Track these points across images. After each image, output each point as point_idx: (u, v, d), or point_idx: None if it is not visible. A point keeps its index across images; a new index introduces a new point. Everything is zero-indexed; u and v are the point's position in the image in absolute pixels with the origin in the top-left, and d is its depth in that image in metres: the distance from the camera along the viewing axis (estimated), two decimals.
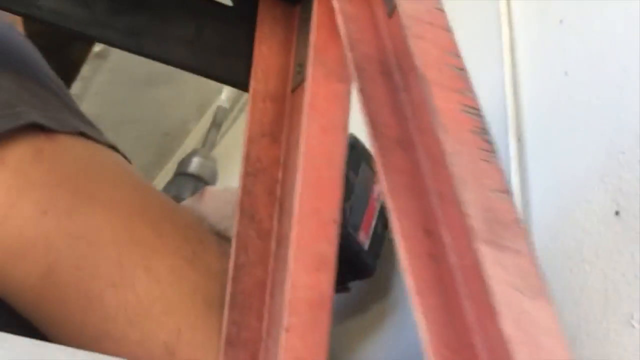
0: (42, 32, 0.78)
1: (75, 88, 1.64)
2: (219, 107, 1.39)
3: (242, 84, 0.67)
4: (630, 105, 0.74)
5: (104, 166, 0.71)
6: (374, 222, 0.91)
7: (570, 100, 0.83)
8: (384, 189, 0.48)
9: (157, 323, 0.65)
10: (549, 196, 0.82)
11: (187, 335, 0.65)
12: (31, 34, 0.86)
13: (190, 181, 1.16)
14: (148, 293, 0.65)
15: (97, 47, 1.65)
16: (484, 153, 0.46)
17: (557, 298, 0.75)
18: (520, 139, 0.87)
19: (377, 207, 0.92)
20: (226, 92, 1.41)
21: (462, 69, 0.50)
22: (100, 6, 0.64)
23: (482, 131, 0.47)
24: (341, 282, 0.92)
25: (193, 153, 1.19)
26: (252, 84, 0.67)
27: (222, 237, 0.78)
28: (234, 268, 0.63)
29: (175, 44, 0.67)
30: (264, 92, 0.68)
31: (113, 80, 1.76)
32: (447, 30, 0.52)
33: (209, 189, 0.92)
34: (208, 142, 1.32)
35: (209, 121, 1.41)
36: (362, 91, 0.53)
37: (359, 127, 0.53)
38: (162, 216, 0.70)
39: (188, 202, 0.91)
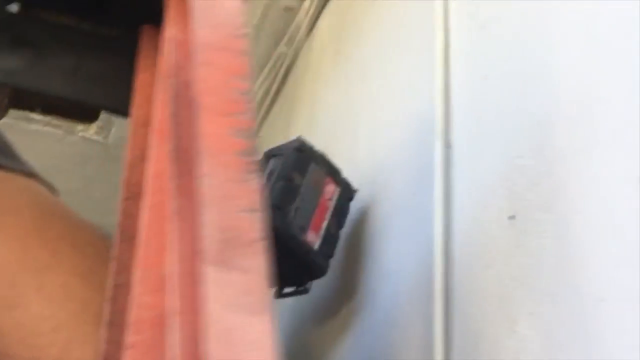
0: None
1: None
2: None
3: (123, 111, 0.70)
4: (532, 112, 0.74)
5: (4, 193, 0.75)
6: (325, 222, 0.93)
7: (487, 105, 0.84)
8: (172, 210, 0.50)
9: (49, 340, 0.68)
10: (467, 201, 0.82)
11: (77, 352, 0.68)
12: None
13: None
14: (40, 312, 0.69)
15: None
16: (241, 174, 0.47)
17: (464, 302, 0.76)
18: (449, 144, 0.88)
19: (330, 206, 0.94)
20: None
21: (245, 93, 0.52)
22: None
23: (247, 153, 0.48)
24: (297, 284, 0.94)
25: None
26: (133, 110, 0.70)
27: None
28: (113, 288, 0.65)
29: (54, 77, 0.70)
30: (144, 118, 0.70)
31: None
32: (242, 55, 0.53)
33: None
34: None
35: None
36: (173, 116, 0.55)
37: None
38: (60, 235, 0.73)
39: None
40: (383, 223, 0.98)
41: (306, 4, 1.48)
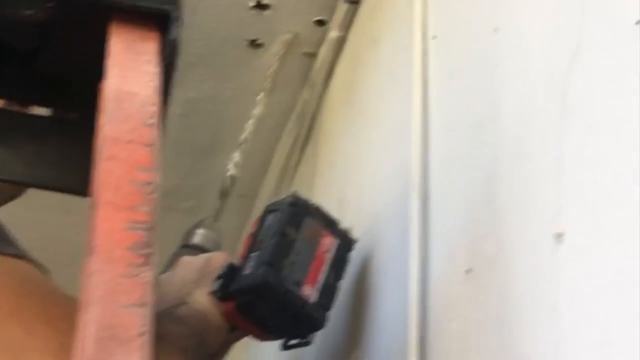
0: None
1: None
2: (227, 176, 1.44)
3: (85, 193, 0.72)
4: (485, 163, 0.75)
5: None
6: (322, 275, 0.94)
7: (454, 156, 0.84)
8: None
9: None
10: (440, 253, 0.83)
11: None
12: None
13: (193, 253, 1.21)
14: None
15: None
16: (131, 269, 0.49)
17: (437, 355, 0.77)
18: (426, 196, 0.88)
19: (327, 259, 0.95)
20: (237, 158, 1.45)
21: (147, 184, 0.54)
22: None
23: (141, 246, 0.50)
24: (300, 336, 0.96)
25: (198, 224, 1.23)
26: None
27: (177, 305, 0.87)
28: None
29: (16, 164, 0.73)
30: None
31: None
32: (147, 145, 0.56)
33: (182, 259, 0.99)
34: (215, 212, 1.37)
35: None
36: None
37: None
38: (36, 314, 0.76)
39: (166, 274, 0.97)
40: (371, 272, 0.99)
41: (323, 49, 1.50)
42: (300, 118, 1.62)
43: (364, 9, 1.35)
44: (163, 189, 1.52)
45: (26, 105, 0.75)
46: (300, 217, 0.95)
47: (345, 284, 0.99)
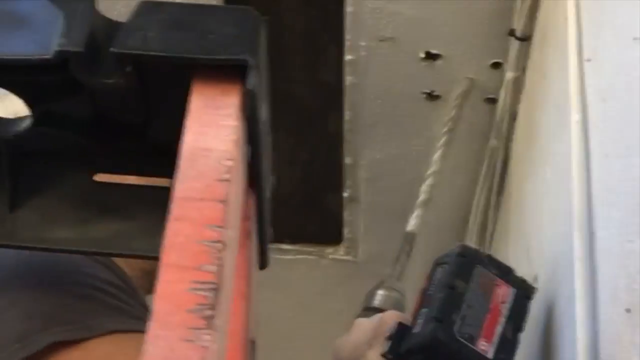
0: None
1: None
2: (407, 233, 1.39)
3: None
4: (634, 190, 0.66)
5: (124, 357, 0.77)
6: (499, 327, 0.87)
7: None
8: None
9: None
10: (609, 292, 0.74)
11: None
12: None
13: (372, 316, 1.17)
14: None
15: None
16: (190, 333, 0.46)
17: None
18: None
19: (503, 310, 0.88)
20: (417, 213, 1.40)
21: (217, 241, 0.50)
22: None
23: (204, 308, 0.47)
24: None
25: (379, 285, 1.19)
26: None
27: None
28: None
29: (141, 239, 0.73)
30: None
31: None
32: (222, 201, 0.52)
33: (356, 321, 0.97)
34: (396, 270, 1.31)
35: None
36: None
37: None
38: None
39: (342, 338, 0.95)
40: (550, 324, 0.90)
41: (503, 92, 1.43)
42: (491, 168, 1.55)
43: (534, 45, 1.28)
44: (366, 256, 1.49)
45: (144, 176, 0.74)
46: (469, 268, 0.89)
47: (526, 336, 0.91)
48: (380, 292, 1.16)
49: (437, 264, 0.92)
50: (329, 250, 1.98)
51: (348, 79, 1.47)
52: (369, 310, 1.14)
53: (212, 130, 0.57)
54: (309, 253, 2.00)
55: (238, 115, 0.58)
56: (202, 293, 0.48)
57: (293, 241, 1.96)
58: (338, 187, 1.74)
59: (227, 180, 0.54)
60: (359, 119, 1.55)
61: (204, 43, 0.59)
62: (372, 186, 1.70)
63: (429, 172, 1.47)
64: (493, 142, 1.52)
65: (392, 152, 1.61)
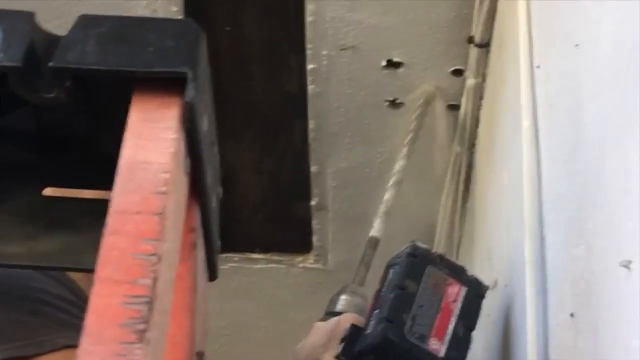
0: None
1: None
2: (370, 238, 1.38)
3: None
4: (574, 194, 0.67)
5: None
6: (451, 326, 0.87)
7: None
8: None
9: None
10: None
11: None
12: None
13: None
14: None
15: None
16: (121, 348, 0.46)
17: None
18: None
19: (455, 308, 0.88)
20: (379, 224, 1.39)
21: (152, 254, 0.50)
22: None
23: (136, 321, 0.47)
24: None
25: (342, 290, 1.19)
26: None
27: None
28: None
29: (88, 252, 0.72)
30: None
31: None
32: (158, 214, 0.52)
33: (315, 324, 0.98)
34: (359, 275, 1.31)
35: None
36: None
37: None
38: None
39: (303, 341, 0.95)
40: (506, 326, 0.91)
41: (464, 98, 1.44)
42: (456, 174, 1.55)
43: (493, 51, 1.29)
44: (336, 264, 1.48)
45: (92, 189, 0.74)
46: (420, 268, 0.89)
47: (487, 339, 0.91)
48: (343, 297, 1.16)
49: (389, 265, 0.93)
50: (299, 258, 1.98)
51: (311, 88, 1.47)
52: (330, 314, 1.14)
53: (151, 143, 0.57)
54: (279, 262, 2.00)
55: (178, 127, 0.58)
56: (135, 307, 0.47)
57: (263, 251, 1.95)
58: (305, 196, 1.74)
59: (164, 192, 0.54)
60: (323, 127, 1.55)
61: (142, 56, 0.59)
62: (339, 194, 1.70)
63: (391, 180, 1.48)
64: (457, 148, 1.53)
65: (357, 160, 1.61)
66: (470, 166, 1.51)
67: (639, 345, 0.49)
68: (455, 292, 0.89)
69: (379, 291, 0.90)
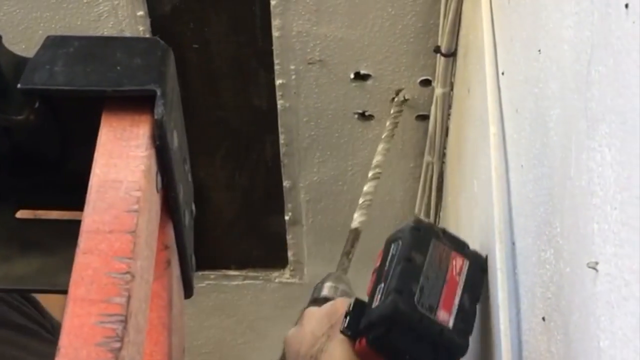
0: None
1: None
2: (352, 230, 1.38)
3: None
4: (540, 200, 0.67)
5: None
6: (457, 298, 0.86)
7: None
8: None
9: None
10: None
11: None
12: None
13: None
14: None
15: None
16: None
17: None
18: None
19: (460, 281, 0.88)
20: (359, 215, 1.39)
21: (126, 272, 0.50)
22: None
23: (112, 340, 0.47)
24: None
25: (326, 278, 1.17)
26: None
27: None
28: None
29: (62, 274, 0.72)
30: None
31: None
32: (130, 232, 0.53)
33: (307, 311, 0.94)
34: (340, 267, 1.30)
35: None
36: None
37: None
38: None
39: (294, 329, 0.92)
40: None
41: (434, 108, 1.45)
42: (428, 184, 1.56)
43: (459, 60, 1.30)
44: (312, 278, 1.46)
45: (66, 210, 0.74)
46: (425, 241, 0.88)
47: None
48: (328, 284, 1.14)
49: (390, 241, 0.91)
50: (275, 274, 1.98)
51: (280, 103, 1.47)
52: (318, 301, 1.11)
53: (122, 162, 0.57)
54: (256, 278, 2.00)
55: (148, 145, 0.58)
56: (110, 325, 0.48)
57: (239, 267, 1.96)
58: (279, 210, 1.75)
59: (136, 211, 0.54)
60: (294, 142, 1.56)
61: (110, 75, 0.59)
62: (312, 208, 1.70)
63: (363, 193, 1.48)
64: (428, 158, 1.54)
65: (329, 173, 1.62)
66: (441, 175, 1.53)
67: (609, 346, 0.50)
68: (460, 265, 0.87)
69: (380, 267, 0.88)
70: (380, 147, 1.46)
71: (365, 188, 1.44)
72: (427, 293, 0.84)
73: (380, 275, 0.87)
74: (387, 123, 1.48)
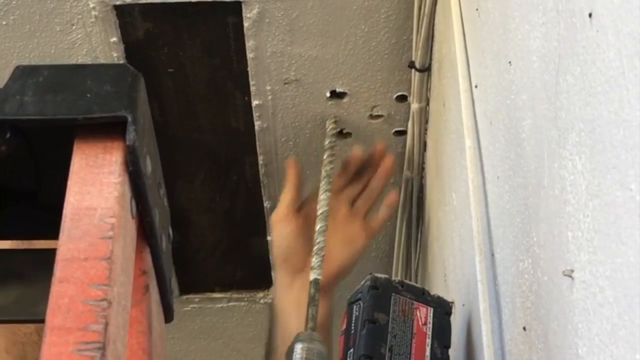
0: None
1: None
2: (314, 280, 1.35)
3: None
4: (517, 210, 0.68)
5: None
6: (427, 349, 0.87)
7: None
8: None
9: None
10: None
11: None
12: None
13: None
14: None
15: None
16: None
17: None
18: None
19: (428, 330, 0.88)
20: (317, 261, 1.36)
21: (102, 299, 0.50)
22: None
23: None
24: None
25: (295, 339, 1.15)
26: None
27: None
28: None
29: (40, 304, 0.72)
30: None
31: None
32: (105, 258, 0.53)
33: None
34: (310, 322, 1.27)
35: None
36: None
37: None
38: None
39: None
40: (469, 345, 0.91)
41: (410, 124, 1.45)
42: (408, 200, 1.57)
43: (433, 75, 1.31)
44: None
45: (42, 239, 0.74)
46: (386, 298, 0.89)
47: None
48: (299, 346, 1.12)
49: (351, 302, 0.92)
50: (260, 294, 1.97)
51: (258, 124, 1.47)
52: None
53: (95, 189, 0.57)
54: (240, 299, 1.99)
55: (121, 171, 0.58)
56: (88, 353, 0.48)
57: (223, 289, 1.95)
58: (261, 231, 1.74)
59: (110, 237, 0.54)
60: (273, 162, 1.56)
61: (81, 102, 0.59)
62: None
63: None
64: (407, 173, 1.54)
65: (309, 192, 1.62)
66: (421, 190, 1.53)
67: (587, 353, 0.50)
68: (424, 315, 0.89)
69: (346, 330, 0.89)
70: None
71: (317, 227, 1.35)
72: (397, 351, 0.85)
73: (347, 339, 0.88)
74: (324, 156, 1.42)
